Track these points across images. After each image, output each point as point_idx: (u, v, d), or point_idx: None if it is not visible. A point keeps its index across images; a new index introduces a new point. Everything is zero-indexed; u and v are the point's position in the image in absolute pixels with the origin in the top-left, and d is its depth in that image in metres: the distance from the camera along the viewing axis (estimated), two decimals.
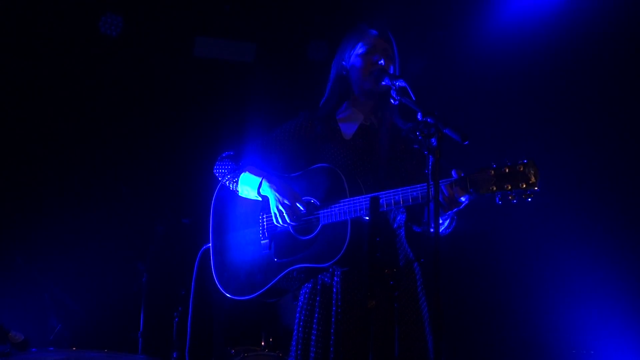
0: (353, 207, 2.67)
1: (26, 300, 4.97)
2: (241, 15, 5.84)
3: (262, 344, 4.87)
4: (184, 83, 5.95)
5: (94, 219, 5.48)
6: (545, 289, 5.11)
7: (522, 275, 5.19)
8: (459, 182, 2.52)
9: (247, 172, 2.92)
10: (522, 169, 2.39)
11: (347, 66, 2.98)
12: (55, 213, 5.48)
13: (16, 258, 4.90)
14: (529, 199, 2.39)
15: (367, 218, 2.56)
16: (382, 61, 2.87)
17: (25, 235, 5.38)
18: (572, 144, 5.27)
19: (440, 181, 2.48)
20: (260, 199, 2.89)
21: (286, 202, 2.78)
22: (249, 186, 2.90)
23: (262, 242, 2.91)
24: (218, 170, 3.02)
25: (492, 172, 2.44)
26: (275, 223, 2.83)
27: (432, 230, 2.24)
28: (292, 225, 2.82)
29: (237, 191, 2.95)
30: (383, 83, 2.81)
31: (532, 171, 2.38)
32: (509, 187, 2.40)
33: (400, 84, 2.68)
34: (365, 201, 2.64)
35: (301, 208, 2.78)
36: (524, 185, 2.38)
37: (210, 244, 3.06)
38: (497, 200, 2.44)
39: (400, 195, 2.60)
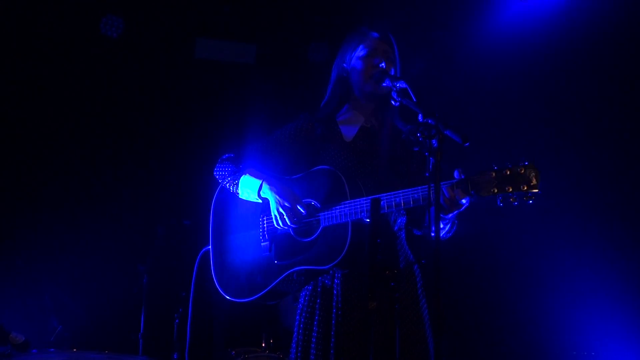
0: (354, 209, 2.67)
1: (27, 301, 4.97)
2: (242, 17, 5.85)
3: (263, 345, 4.87)
4: (185, 84, 5.95)
5: (95, 220, 5.48)
6: (545, 290, 5.11)
7: (523, 276, 5.19)
8: (460, 184, 2.52)
9: (247, 174, 2.91)
10: (523, 171, 2.39)
11: (347, 68, 2.98)
12: (55, 214, 5.48)
13: (17, 259, 4.90)
14: (530, 201, 2.39)
15: (368, 220, 2.56)
16: (383, 64, 2.87)
17: (26, 236, 5.38)
18: (572, 144, 5.28)
19: (441, 183, 2.49)
20: (260, 201, 2.89)
21: (286, 204, 2.78)
22: (249, 189, 2.90)
23: (262, 244, 2.91)
24: (218, 173, 3.02)
25: (493, 174, 2.44)
26: (276, 225, 2.83)
27: (432, 234, 2.23)
28: (292, 228, 2.82)
29: (238, 193, 2.95)
30: (384, 84, 2.81)
31: (533, 173, 2.38)
32: (510, 189, 2.40)
33: (401, 85, 2.69)
34: (366, 203, 2.64)
35: (301, 210, 2.78)
36: (525, 188, 2.38)
37: (210, 246, 3.06)
38: (499, 203, 2.44)
39: (401, 197, 2.60)
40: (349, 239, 2.65)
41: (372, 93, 2.91)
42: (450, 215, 2.64)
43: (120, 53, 5.74)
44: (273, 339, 4.89)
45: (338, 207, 2.71)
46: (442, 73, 5.61)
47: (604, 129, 5.23)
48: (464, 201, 2.55)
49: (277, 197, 2.80)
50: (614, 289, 4.90)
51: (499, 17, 5.40)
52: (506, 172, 2.42)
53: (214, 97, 6.03)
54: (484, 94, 5.47)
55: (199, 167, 3.90)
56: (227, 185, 2.97)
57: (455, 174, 2.54)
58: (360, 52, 2.93)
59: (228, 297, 2.94)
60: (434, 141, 2.32)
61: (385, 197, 2.62)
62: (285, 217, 2.78)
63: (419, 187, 2.57)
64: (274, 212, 2.82)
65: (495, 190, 2.43)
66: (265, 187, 2.85)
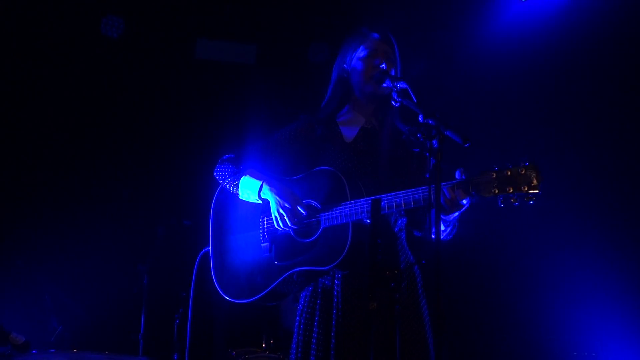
0: (354, 209, 2.67)
1: (27, 302, 4.97)
2: (242, 17, 5.85)
3: (263, 345, 4.87)
4: (185, 85, 5.95)
5: (95, 221, 5.49)
6: (546, 290, 5.11)
7: (523, 276, 5.19)
8: (461, 185, 2.52)
9: (247, 175, 2.91)
10: (524, 171, 2.39)
11: (348, 69, 2.98)
12: (56, 215, 5.48)
13: (17, 259, 4.90)
14: (531, 202, 2.39)
15: (368, 221, 2.56)
16: (383, 65, 2.87)
17: (26, 236, 5.38)
18: (572, 145, 5.27)
19: (442, 183, 2.49)
20: (260, 202, 2.89)
21: (287, 205, 2.78)
22: (249, 190, 2.90)
23: (262, 245, 2.91)
24: (218, 173, 3.02)
25: (494, 174, 2.44)
26: (276, 226, 2.83)
27: (433, 236, 2.23)
28: (292, 228, 2.82)
29: (238, 194, 2.95)
30: (384, 85, 2.81)
31: (534, 174, 2.38)
32: (511, 190, 2.40)
33: (401, 85, 2.68)
34: (366, 204, 2.63)
35: (302, 211, 2.78)
36: (526, 188, 2.38)
37: (210, 247, 3.05)
38: (499, 203, 2.44)
39: (402, 198, 2.60)
40: (349, 239, 2.65)
41: (373, 94, 2.91)
42: (452, 216, 2.64)
43: (120, 53, 5.74)
44: (273, 340, 4.89)
45: (338, 207, 2.71)
46: (442, 73, 5.61)
47: (604, 129, 5.23)
48: (464, 202, 2.55)
49: (278, 198, 2.80)
50: (615, 288, 4.90)
51: (499, 17, 5.40)
52: (507, 173, 2.42)
53: (214, 98, 6.03)
54: (484, 94, 5.47)
55: (199, 168, 3.90)
56: (227, 186, 2.97)
57: (457, 174, 2.54)
58: (360, 52, 2.93)
59: (228, 298, 2.93)
60: (434, 142, 2.32)
61: (385, 198, 2.62)
62: (285, 218, 2.78)
63: (420, 188, 2.57)
64: (274, 213, 2.81)
65: (496, 191, 2.43)
66: (265, 188, 2.85)
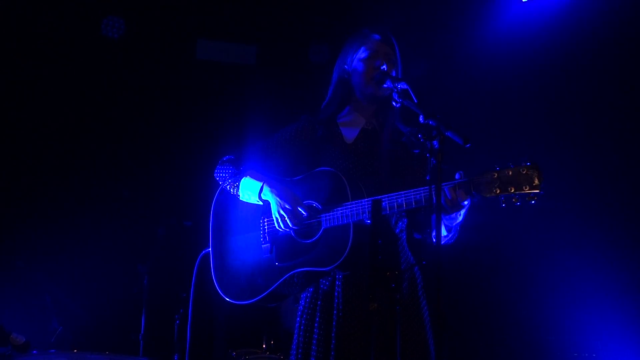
0: (355, 210, 2.67)
1: (27, 302, 4.97)
2: (242, 18, 5.85)
3: (264, 346, 4.87)
4: (185, 85, 5.95)
5: (96, 222, 5.49)
6: (547, 291, 5.11)
7: (523, 276, 5.19)
8: (462, 185, 2.52)
9: (248, 176, 2.91)
10: (525, 171, 2.39)
11: (349, 70, 2.98)
12: (56, 215, 5.49)
13: (18, 260, 4.90)
14: (533, 202, 2.39)
15: (369, 221, 2.55)
16: (384, 66, 2.87)
17: (27, 237, 5.38)
18: (572, 145, 5.27)
19: (444, 184, 2.49)
20: (261, 203, 2.89)
21: (287, 206, 2.78)
22: (250, 191, 2.90)
23: (262, 246, 2.91)
24: (219, 174, 3.02)
25: (496, 174, 2.44)
26: (277, 227, 2.83)
27: (434, 239, 2.23)
28: (293, 229, 2.82)
29: (238, 195, 2.95)
30: (385, 86, 2.81)
31: (535, 173, 2.38)
32: (513, 190, 2.40)
33: (402, 86, 2.68)
34: (367, 204, 2.63)
35: (302, 212, 2.78)
36: (527, 188, 2.38)
37: (210, 248, 3.05)
38: (501, 203, 2.44)
39: (404, 198, 2.60)
40: (350, 240, 2.65)
41: (374, 95, 2.91)
42: (453, 220, 2.64)
43: (121, 54, 5.74)
44: (274, 340, 4.90)
45: (339, 208, 2.71)
46: (443, 74, 5.61)
47: (605, 130, 5.23)
48: (465, 202, 2.55)
49: (278, 199, 2.80)
50: (615, 289, 4.90)
51: (500, 17, 5.41)
52: (508, 173, 2.42)
53: (214, 98, 6.03)
54: (485, 95, 5.47)
55: (200, 168, 3.90)
56: (228, 187, 2.97)
57: (457, 177, 2.54)
58: (361, 54, 2.93)
59: (228, 299, 2.93)
60: (435, 142, 2.32)
61: (387, 198, 2.62)
62: (286, 218, 2.78)
63: (421, 188, 2.57)
64: (275, 214, 2.81)
65: (498, 191, 2.43)
66: (266, 189, 2.85)
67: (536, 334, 5.17)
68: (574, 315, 4.99)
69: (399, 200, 2.60)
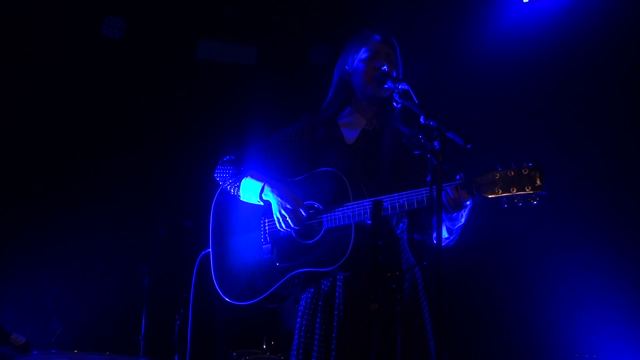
0: (357, 210, 2.67)
1: (28, 302, 4.97)
2: (243, 19, 5.85)
3: (264, 346, 4.87)
4: (186, 86, 5.95)
5: (96, 222, 5.49)
6: (547, 292, 5.10)
7: (524, 277, 5.18)
8: (464, 186, 2.52)
9: (248, 177, 2.91)
10: (527, 172, 2.40)
11: (350, 71, 2.98)
12: (57, 216, 5.49)
13: (18, 260, 4.90)
14: (535, 202, 2.39)
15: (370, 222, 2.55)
16: (385, 67, 2.87)
17: (27, 237, 5.38)
18: (574, 146, 5.27)
19: (446, 184, 2.49)
20: (262, 203, 2.89)
21: (288, 206, 2.78)
22: (250, 191, 2.90)
23: (263, 246, 2.91)
24: (219, 175, 3.02)
25: (498, 175, 2.44)
26: (279, 227, 2.83)
27: (434, 240, 2.23)
28: (294, 230, 2.82)
29: (239, 196, 2.95)
30: (386, 87, 2.81)
31: (537, 174, 2.38)
32: (515, 190, 2.40)
33: (403, 87, 2.68)
34: (369, 205, 2.63)
35: (304, 212, 2.78)
36: (530, 189, 2.38)
37: (210, 249, 3.05)
38: (503, 204, 2.44)
39: (405, 199, 2.60)
40: (352, 241, 2.65)
41: (374, 95, 2.91)
42: (455, 222, 2.64)
43: (122, 54, 5.74)
44: (274, 341, 4.89)
45: (341, 209, 2.70)
46: (444, 75, 5.60)
47: (605, 130, 5.23)
48: (468, 202, 2.56)
49: (279, 199, 2.80)
50: (616, 290, 4.89)
51: (500, 18, 5.40)
52: (510, 173, 2.42)
53: (215, 99, 6.03)
54: (486, 95, 5.47)
55: (201, 169, 3.90)
56: (228, 187, 2.97)
57: (457, 178, 2.54)
58: (362, 54, 2.93)
59: (229, 300, 2.93)
60: (435, 143, 2.32)
61: (388, 199, 2.62)
62: (287, 218, 2.78)
63: (423, 189, 2.57)
64: (276, 214, 2.81)
65: (500, 192, 2.43)
66: (267, 189, 2.85)
67: (537, 335, 5.17)
68: (574, 316, 4.99)
69: (401, 201, 2.60)
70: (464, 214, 2.64)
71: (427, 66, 5.27)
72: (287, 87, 6.00)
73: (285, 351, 4.71)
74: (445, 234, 2.72)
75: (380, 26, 2.98)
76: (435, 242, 2.23)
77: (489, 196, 2.46)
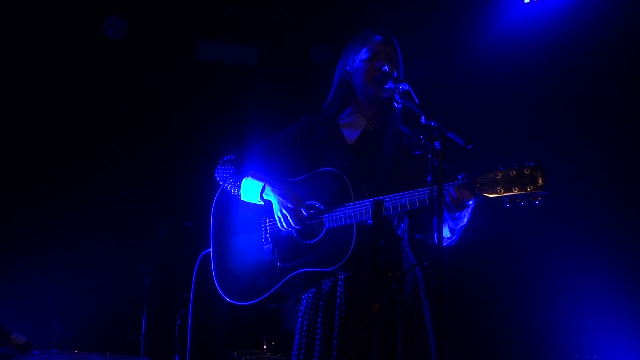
0: (359, 210, 2.66)
1: (28, 302, 4.97)
2: (244, 19, 5.85)
3: (264, 347, 4.87)
4: (187, 86, 5.96)
5: (97, 222, 5.49)
6: (548, 292, 5.10)
7: (525, 277, 5.18)
8: (467, 185, 2.52)
9: (249, 177, 2.91)
10: (529, 171, 2.40)
11: (350, 71, 2.98)
12: (57, 215, 5.49)
13: (19, 260, 4.90)
14: (537, 202, 2.39)
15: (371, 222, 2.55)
16: (386, 67, 2.87)
17: (28, 237, 5.38)
18: (574, 146, 5.27)
19: (448, 183, 2.49)
20: (262, 203, 2.89)
21: (289, 205, 2.77)
22: (251, 191, 2.89)
23: (264, 246, 2.91)
24: (219, 175, 3.02)
25: (499, 175, 2.44)
26: (280, 227, 2.83)
27: (435, 240, 2.23)
28: (296, 229, 2.81)
29: (239, 196, 2.94)
30: (387, 87, 2.81)
31: (539, 174, 2.39)
32: (517, 190, 2.40)
33: (403, 87, 2.68)
34: (370, 204, 2.62)
35: (304, 212, 2.78)
36: (531, 188, 2.38)
37: (211, 249, 3.05)
38: (505, 204, 2.45)
39: (407, 199, 2.60)
40: (353, 240, 2.65)
41: (375, 96, 2.91)
42: (459, 220, 2.64)
43: (122, 55, 5.74)
44: (274, 341, 4.89)
45: (342, 208, 2.70)
46: (445, 75, 5.61)
47: (606, 130, 5.22)
48: (470, 202, 2.56)
49: (280, 198, 2.80)
50: (617, 291, 4.89)
51: (501, 19, 5.40)
52: (512, 173, 2.42)
53: (216, 99, 6.03)
54: (487, 96, 5.47)
55: (201, 169, 3.90)
56: (229, 187, 2.97)
57: (459, 177, 2.54)
58: (363, 55, 2.93)
59: (229, 300, 2.93)
60: (436, 143, 2.32)
61: (390, 199, 2.62)
62: (289, 218, 2.77)
63: (425, 189, 2.57)
64: (277, 214, 2.81)
65: (502, 191, 2.43)
66: (267, 189, 2.85)
67: (538, 336, 5.16)
68: (575, 316, 4.98)
69: (402, 201, 2.60)
70: (467, 214, 2.64)
71: (428, 66, 5.27)
72: (288, 87, 6.00)
73: (285, 351, 4.70)
74: (447, 234, 2.72)
75: (381, 26, 2.98)
76: (436, 242, 2.23)
77: (491, 196, 2.46)
